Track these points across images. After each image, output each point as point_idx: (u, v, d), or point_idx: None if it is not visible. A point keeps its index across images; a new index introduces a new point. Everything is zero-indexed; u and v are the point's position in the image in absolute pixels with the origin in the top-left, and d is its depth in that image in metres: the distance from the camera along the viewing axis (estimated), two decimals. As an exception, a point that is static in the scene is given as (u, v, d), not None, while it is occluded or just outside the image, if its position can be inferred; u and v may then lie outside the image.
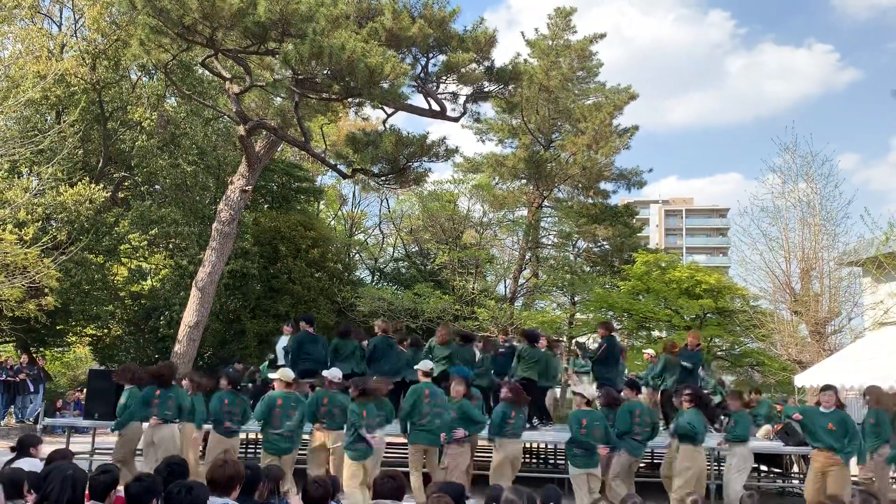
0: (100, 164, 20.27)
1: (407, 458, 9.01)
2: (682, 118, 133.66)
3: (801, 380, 13.71)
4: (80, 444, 11.53)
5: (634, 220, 30.11)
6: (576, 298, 28.87)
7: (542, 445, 13.67)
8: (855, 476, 9.07)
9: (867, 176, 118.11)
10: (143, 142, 20.53)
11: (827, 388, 8.60)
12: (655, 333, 23.67)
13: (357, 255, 31.26)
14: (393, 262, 31.71)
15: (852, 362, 12.97)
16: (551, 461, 13.28)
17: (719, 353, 22.93)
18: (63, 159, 17.69)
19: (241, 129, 15.54)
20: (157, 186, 22.09)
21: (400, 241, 31.87)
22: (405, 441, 9.11)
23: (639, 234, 31.65)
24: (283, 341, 11.94)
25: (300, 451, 9.26)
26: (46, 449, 6.43)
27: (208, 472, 4.74)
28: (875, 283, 17.13)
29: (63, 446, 8.94)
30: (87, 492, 4.38)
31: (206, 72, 17.81)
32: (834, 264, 17.65)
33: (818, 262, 17.45)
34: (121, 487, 4.66)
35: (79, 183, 17.33)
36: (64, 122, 18.21)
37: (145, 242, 21.36)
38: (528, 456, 14.18)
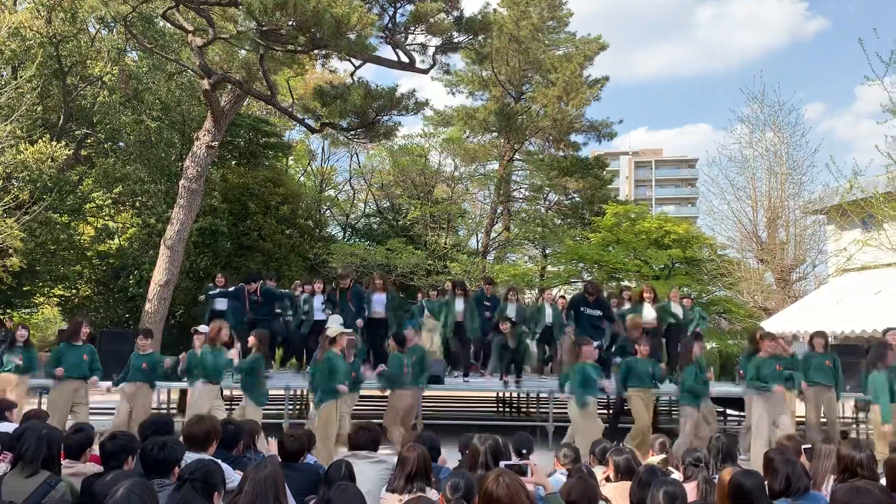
0: (60, 121, 19.73)
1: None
2: (652, 69, 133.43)
3: (766, 326, 14.04)
4: (52, 404, 11.45)
5: (604, 172, 30.23)
6: (547, 251, 29.09)
7: (515, 395, 13.89)
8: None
9: (832, 125, 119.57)
10: (104, 97, 19.99)
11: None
12: (625, 283, 23.97)
13: (328, 211, 31.04)
14: (364, 218, 31.56)
15: (816, 308, 13.31)
16: (523, 409, 13.53)
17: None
18: (21, 116, 17.16)
19: (205, 84, 15.18)
20: (120, 143, 21.59)
21: (371, 196, 31.69)
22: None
23: (609, 186, 31.83)
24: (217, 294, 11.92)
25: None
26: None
27: (184, 427, 4.76)
28: (839, 230, 17.48)
29: (35, 407, 8.91)
30: (62, 451, 4.38)
31: (168, 24, 17.30)
32: (799, 213, 18.00)
33: (784, 211, 17.77)
34: (96, 446, 4.68)
35: (39, 140, 16.87)
36: (21, 77, 17.64)
37: (111, 201, 20.95)
38: (501, 405, 14.46)
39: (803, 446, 5.37)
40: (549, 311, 12.21)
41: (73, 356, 9.02)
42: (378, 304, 11.66)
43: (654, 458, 5.49)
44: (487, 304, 12.27)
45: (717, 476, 4.59)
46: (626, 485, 4.54)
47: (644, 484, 4.02)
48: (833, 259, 17.88)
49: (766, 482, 3.94)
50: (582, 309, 11.57)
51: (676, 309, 11.91)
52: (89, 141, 21.53)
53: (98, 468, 4.33)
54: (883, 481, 4.14)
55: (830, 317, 12.32)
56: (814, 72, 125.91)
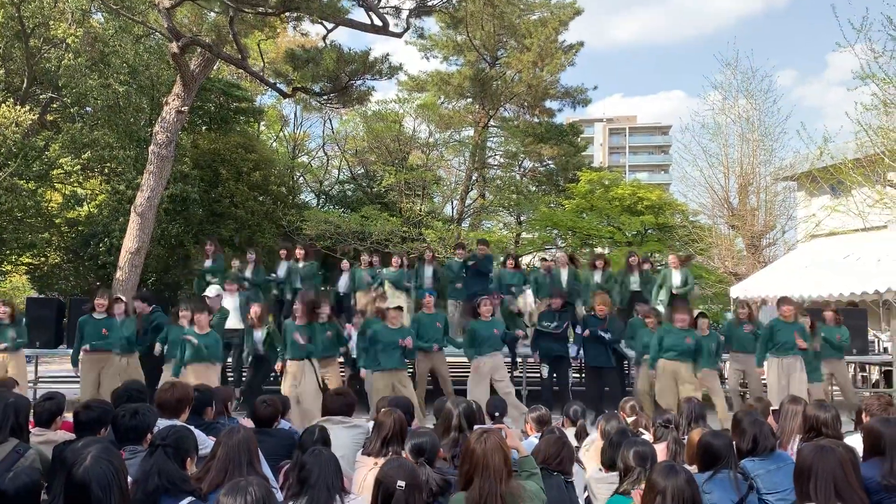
0: (24, 85, 19.21)
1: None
2: (627, 35, 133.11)
3: (736, 291, 14.23)
4: (22, 373, 11.33)
5: (579, 139, 30.22)
6: (522, 218, 29.16)
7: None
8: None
9: (804, 92, 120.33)
10: (69, 60, 19.45)
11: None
12: (598, 250, 24.18)
13: (301, 177, 30.72)
14: (338, 185, 31.28)
15: (785, 274, 13.50)
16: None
17: (659, 267, 23.64)
18: (-17, 80, 16.71)
19: (173, 47, 14.82)
20: (87, 108, 21.08)
21: (345, 162, 31.38)
22: None
23: (583, 153, 31.87)
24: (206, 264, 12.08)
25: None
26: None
27: (157, 394, 4.74)
28: (808, 196, 17.75)
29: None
30: (31, 419, 4.34)
31: (134, -15, 16.85)
32: (770, 179, 18.18)
33: (755, 177, 17.93)
34: (68, 414, 4.64)
35: (3, 105, 16.44)
36: (-19, 39, 17.13)
37: (79, 167, 20.52)
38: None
39: (771, 408, 5.49)
40: (564, 275, 12.07)
41: (91, 328, 8.87)
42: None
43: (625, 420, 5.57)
44: (472, 263, 11.92)
45: (686, 437, 4.68)
46: (598, 444, 4.62)
47: (615, 445, 4.09)
48: (802, 225, 18.15)
49: (734, 442, 4.02)
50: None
51: (676, 276, 11.98)
52: (55, 105, 21.01)
53: (69, 436, 4.31)
54: (848, 440, 4.25)
55: (799, 282, 12.50)
56: (786, 39, 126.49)
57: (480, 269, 11.90)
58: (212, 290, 9.86)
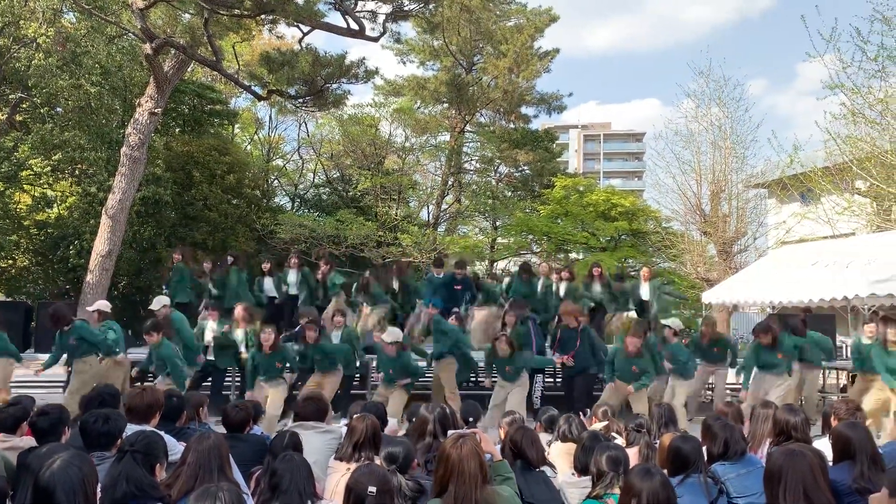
0: (-8, 85, 18.89)
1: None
2: (603, 42, 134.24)
3: (707, 297, 14.38)
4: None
5: (554, 145, 30.41)
6: (497, 223, 29.25)
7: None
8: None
9: (774, 101, 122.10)
10: (39, 60, 19.13)
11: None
12: (573, 255, 24.33)
13: (276, 181, 30.52)
14: (313, 188, 31.12)
15: (756, 280, 13.66)
16: (472, 379, 13.62)
17: (633, 272, 23.86)
18: (-50, 79, 16.39)
19: (147, 48, 14.67)
20: (58, 109, 20.75)
21: (320, 166, 31.24)
22: None
23: (558, 159, 32.08)
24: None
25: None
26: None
27: (127, 399, 4.67)
28: (779, 203, 18.00)
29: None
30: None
31: (107, -16, 16.65)
32: (742, 186, 18.41)
33: (727, 185, 18.15)
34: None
35: (-30, 105, 16.15)
36: (-52, 37, 16.80)
37: (49, 168, 20.22)
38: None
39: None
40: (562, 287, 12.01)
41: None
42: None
43: (597, 426, 5.60)
44: (458, 287, 11.76)
45: (658, 441, 4.71)
46: (570, 446, 4.64)
47: (588, 449, 4.10)
48: (773, 231, 18.40)
49: (704, 446, 4.06)
50: None
51: (643, 289, 12.12)
52: (24, 105, 20.65)
53: (34, 442, 4.23)
54: (816, 443, 4.30)
55: (769, 287, 12.66)
56: (758, 48, 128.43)
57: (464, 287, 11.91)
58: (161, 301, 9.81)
